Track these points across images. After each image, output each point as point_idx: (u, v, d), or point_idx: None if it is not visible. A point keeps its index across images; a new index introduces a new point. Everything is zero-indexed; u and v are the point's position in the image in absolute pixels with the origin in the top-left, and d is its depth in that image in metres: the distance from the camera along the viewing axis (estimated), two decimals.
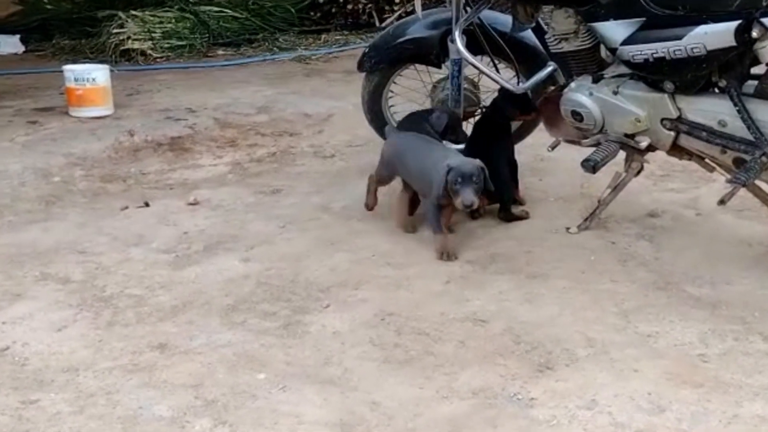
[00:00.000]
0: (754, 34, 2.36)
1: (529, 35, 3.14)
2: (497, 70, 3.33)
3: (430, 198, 2.82)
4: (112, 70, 4.61)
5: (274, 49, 6.45)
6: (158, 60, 6.00)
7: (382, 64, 3.48)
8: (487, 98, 3.49)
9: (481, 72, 3.25)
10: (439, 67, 3.46)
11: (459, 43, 3.13)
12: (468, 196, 2.65)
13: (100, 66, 4.57)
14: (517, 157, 3.24)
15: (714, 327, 2.30)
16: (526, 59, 3.28)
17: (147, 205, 3.36)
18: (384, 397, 2.08)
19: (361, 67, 3.54)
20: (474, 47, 3.23)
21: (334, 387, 2.14)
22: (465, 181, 2.66)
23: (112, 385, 2.17)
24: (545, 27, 2.87)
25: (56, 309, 2.56)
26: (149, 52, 6.01)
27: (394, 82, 3.58)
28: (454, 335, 2.34)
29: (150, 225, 3.20)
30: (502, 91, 3.16)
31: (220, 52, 6.41)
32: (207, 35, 6.43)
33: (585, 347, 2.24)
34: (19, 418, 2.05)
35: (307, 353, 2.30)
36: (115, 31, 6.07)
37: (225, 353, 2.31)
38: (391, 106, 3.64)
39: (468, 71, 3.35)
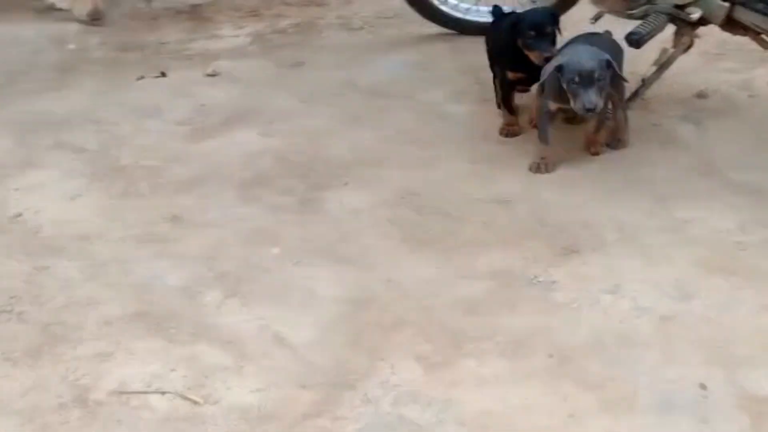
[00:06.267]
0: None
1: None
2: None
3: (541, 101, 2.46)
4: None
5: None
6: None
7: None
8: None
9: None
10: None
11: None
12: (588, 97, 2.23)
13: None
14: None
15: (755, 215, 2.17)
16: None
17: (164, 75, 3.25)
18: (400, 276, 2.04)
19: None
20: None
21: (349, 264, 2.10)
22: (584, 80, 2.24)
23: (124, 255, 2.17)
24: None
25: (69, 178, 2.53)
26: None
27: None
28: (477, 216, 2.26)
29: (166, 96, 3.10)
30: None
31: None
32: None
33: (614, 231, 2.14)
34: (31, 283, 2.06)
35: (323, 230, 2.25)
36: None
37: (239, 227, 2.28)
38: None
39: None
